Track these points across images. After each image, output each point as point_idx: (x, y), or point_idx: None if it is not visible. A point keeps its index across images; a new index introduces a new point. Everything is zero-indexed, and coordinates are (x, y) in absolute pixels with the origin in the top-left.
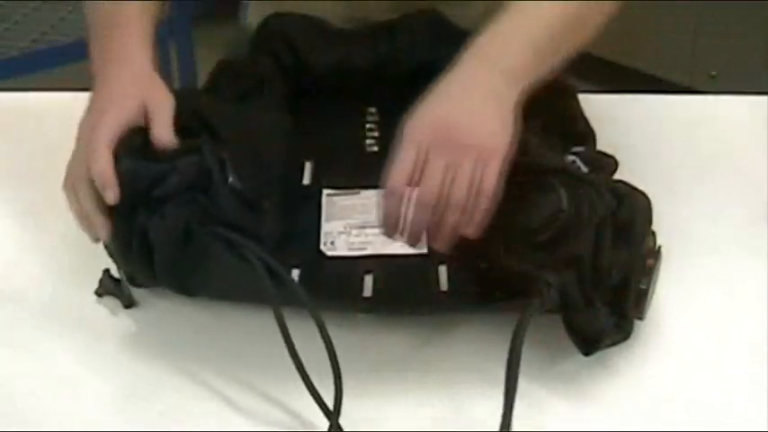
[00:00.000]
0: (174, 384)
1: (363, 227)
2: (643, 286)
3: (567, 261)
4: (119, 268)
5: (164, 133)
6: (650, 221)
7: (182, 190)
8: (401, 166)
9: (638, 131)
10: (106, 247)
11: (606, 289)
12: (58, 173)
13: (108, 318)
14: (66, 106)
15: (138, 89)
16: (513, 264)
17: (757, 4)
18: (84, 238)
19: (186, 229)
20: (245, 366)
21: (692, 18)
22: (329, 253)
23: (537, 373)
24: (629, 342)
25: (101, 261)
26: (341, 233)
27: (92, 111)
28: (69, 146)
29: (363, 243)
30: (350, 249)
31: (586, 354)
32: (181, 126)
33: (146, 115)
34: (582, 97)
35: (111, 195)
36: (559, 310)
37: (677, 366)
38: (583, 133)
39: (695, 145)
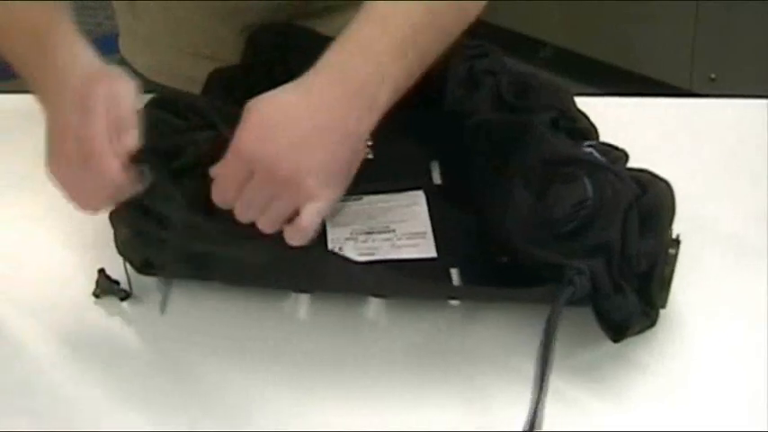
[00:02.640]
0: (173, 385)
1: (370, 232)
2: (667, 274)
3: (594, 249)
4: (129, 259)
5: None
6: (674, 209)
7: (199, 163)
8: (222, 184)
9: (638, 134)
10: (117, 240)
11: (634, 276)
12: None
13: (105, 319)
14: None
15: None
16: (540, 254)
17: (757, 6)
18: (82, 239)
19: (205, 203)
20: (244, 364)
21: (692, 21)
22: None
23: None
24: (649, 332)
25: (97, 262)
26: (348, 239)
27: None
28: None
29: (371, 248)
30: (359, 255)
31: (615, 341)
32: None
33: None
34: (581, 100)
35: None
36: (584, 301)
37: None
38: (587, 129)
39: (695, 148)
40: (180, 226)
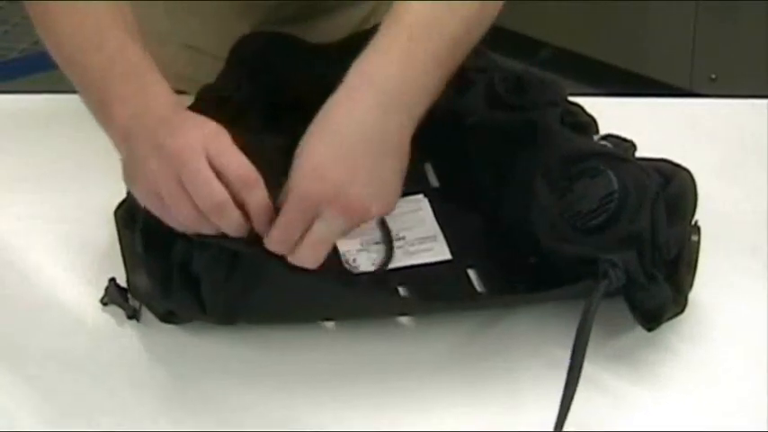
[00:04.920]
0: (173, 395)
1: (380, 242)
2: (693, 259)
3: (625, 240)
4: (152, 308)
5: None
6: (696, 196)
7: None
8: (286, 226)
9: (638, 134)
10: (133, 291)
11: (665, 263)
12: (61, 175)
13: (111, 327)
14: (68, 108)
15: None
16: (572, 250)
17: (757, 6)
18: (87, 242)
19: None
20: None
21: (692, 21)
22: (355, 271)
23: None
24: (679, 318)
25: (104, 267)
26: (360, 250)
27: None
28: (71, 147)
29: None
30: (374, 265)
31: (650, 330)
32: None
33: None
34: (581, 100)
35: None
36: (615, 292)
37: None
38: (588, 123)
39: (695, 148)
40: (209, 277)
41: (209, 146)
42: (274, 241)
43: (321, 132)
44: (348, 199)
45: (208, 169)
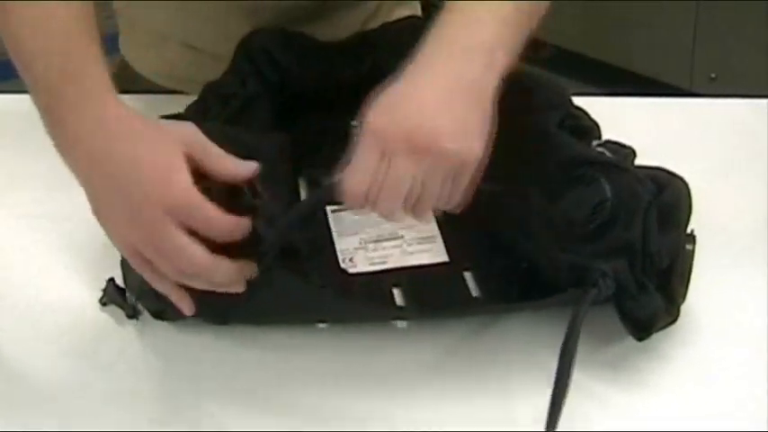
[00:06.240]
0: (172, 395)
1: (379, 240)
2: (686, 269)
3: (616, 249)
4: (146, 306)
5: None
6: (690, 205)
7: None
8: (360, 174)
9: (638, 134)
10: (128, 285)
11: (656, 273)
12: (62, 175)
13: (111, 326)
14: None
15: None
16: (563, 258)
17: (757, 6)
18: (88, 242)
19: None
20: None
21: (692, 20)
22: (351, 270)
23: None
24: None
25: (104, 267)
26: (357, 249)
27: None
28: None
29: (383, 257)
30: (371, 264)
31: (640, 339)
32: None
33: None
34: (582, 100)
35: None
36: (608, 300)
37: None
38: (590, 127)
39: (695, 148)
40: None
41: (177, 208)
42: (351, 188)
43: (399, 92)
44: (418, 133)
45: (181, 235)
